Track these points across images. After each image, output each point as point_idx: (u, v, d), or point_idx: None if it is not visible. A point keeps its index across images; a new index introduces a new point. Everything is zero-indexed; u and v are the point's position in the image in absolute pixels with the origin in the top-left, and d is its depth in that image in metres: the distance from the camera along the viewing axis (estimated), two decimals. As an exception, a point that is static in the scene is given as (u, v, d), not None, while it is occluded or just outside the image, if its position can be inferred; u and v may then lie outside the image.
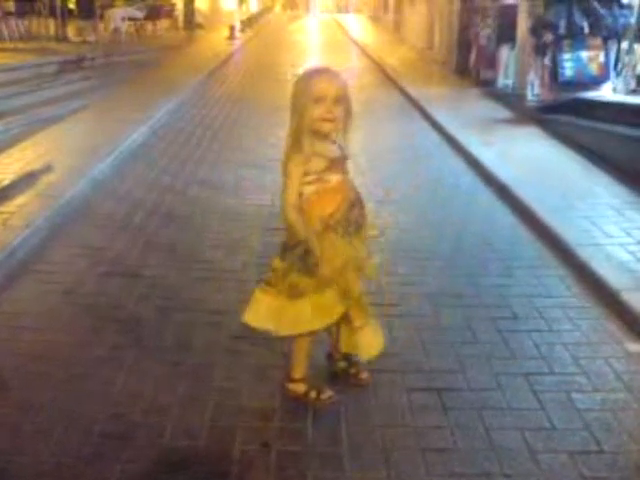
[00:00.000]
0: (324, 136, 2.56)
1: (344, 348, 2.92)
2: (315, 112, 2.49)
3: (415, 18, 17.06)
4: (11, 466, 2.44)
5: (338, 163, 2.62)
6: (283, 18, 37.52)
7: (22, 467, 2.44)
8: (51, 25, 14.66)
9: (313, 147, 2.55)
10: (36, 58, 10.93)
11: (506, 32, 9.81)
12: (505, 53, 9.98)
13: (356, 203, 2.68)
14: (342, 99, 2.53)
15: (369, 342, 2.85)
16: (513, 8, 9.72)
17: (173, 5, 22.17)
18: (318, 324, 2.69)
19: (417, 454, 2.54)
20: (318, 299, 2.63)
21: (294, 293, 2.64)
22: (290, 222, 2.59)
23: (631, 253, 4.23)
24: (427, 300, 3.78)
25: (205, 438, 2.61)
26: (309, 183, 2.57)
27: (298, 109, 2.54)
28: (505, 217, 5.21)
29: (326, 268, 2.57)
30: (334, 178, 2.59)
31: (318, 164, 2.56)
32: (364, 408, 2.81)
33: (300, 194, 2.58)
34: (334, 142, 2.62)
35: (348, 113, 2.57)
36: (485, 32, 10.48)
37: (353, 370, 2.97)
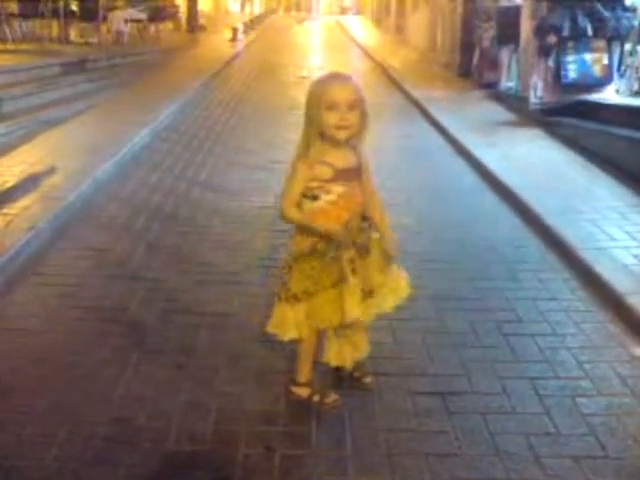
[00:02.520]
0: (339, 143, 2.54)
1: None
2: (329, 120, 2.46)
3: (417, 20, 17.06)
4: (14, 471, 2.43)
5: (347, 174, 2.57)
6: (286, 20, 37.52)
7: (25, 471, 2.42)
8: (54, 27, 14.67)
9: (323, 154, 2.53)
10: (39, 60, 10.93)
11: (507, 34, 9.81)
12: (506, 55, 9.98)
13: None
14: (356, 104, 2.49)
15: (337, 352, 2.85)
16: (513, 9, 9.71)
17: (177, 7, 22.18)
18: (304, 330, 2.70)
19: (421, 459, 2.53)
20: (312, 305, 2.65)
21: (288, 297, 2.66)
22: (289, 218, 2.58)
23: (635, 256, 4.22)
24: (431, 303, 3.77)
25: (209, 442, 2.60)
26: (312, 190, 2.55)
27: (310, 116, 2.51)
28: (508, 220, 5.20)
29: (298, 287, 2.61)
30: (337, 190, 2.55)
31: (323, 172, 2.53)
32: (368, 412, 2.80)
33: (298, 205, 2.57)
34: (353, 147, 2.60)
35: (363, 117, 2.53)
36: (488, 34, 10.48)
37: (357, 374, 2.97)
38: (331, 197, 2.56)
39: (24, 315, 3.57)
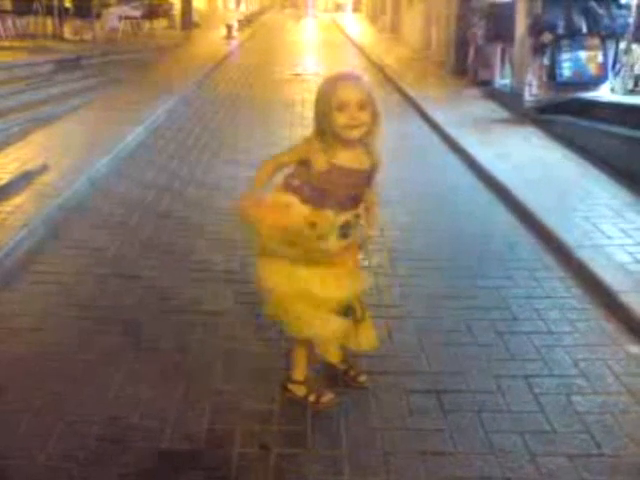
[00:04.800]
0: (352, 143, 2.50)
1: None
2: (339, 120, 2.43)
3: (412, 18, 17.04)
4: (7, 470, 2.42)
5: (354, 176, 2.54)
6: (281, 17, 37.42)
7: (19, 471, 2.42)
8: (48, 24, 14.62)
9: (333, 154, 2.49)
10: (33, 57, 10.89)
11: (496, 31, 9.83)
12: (497, 53, 9.99)
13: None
14: (367, 104, 2.46)
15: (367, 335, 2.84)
16: (502, 7, 9.73)
17: (171, 4, 22.10)
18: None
19: (417, 457, 2.53)
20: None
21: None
22: (259, 170, 2.62)
23: (630, 254, 4.22)
24: (426, 301, 3.77)
25: (203, 441, 2.59)
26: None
27: (320, 115, 2.49)
28: (504, 218, 5.20)
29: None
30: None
31: (319, 163, 2.49)
32: (363, 411, 2.80)
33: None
34: (366, 148, 2.55)
35: (375, 117, 2.50)
36: (483, 32, 10.46)
37: (352, 372, 2.96)
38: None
39: (18, 313, 3.56)
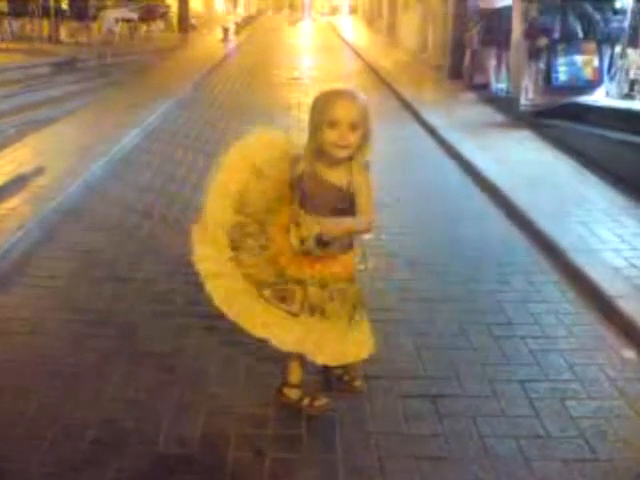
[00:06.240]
0: (337, 161, 2.47)
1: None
2: (329, 137, 2.40)
3: (409, 21, 17.07)
4: (1, 474, 2.41)
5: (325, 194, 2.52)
6: (276, 20, 37.45)
7: (13, 475, 2.41)
8: (44, 26, 14.61)
9: (320, 163, 2.49)
10: (28, 59, 10.89)
11: (490, 35, 9.85)
12: (491, 57, 10.01)
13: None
14: (359, 125, 2.41)
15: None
16: (497, 11, 9.76)
17: (168, 7, 22.12)
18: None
19: (412, 462, 2.53)
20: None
21: None
22: None
23: (626, 259, 4.23)
24: (422, 305, 3.77)
25: (198, 445, 2.58)
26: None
27: (311, 126, 2.47)
28: (500, 222, 5.20)
29: None
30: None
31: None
32: (358, 415, 2.80)
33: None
34: (348, 166, 2.48)
35: (365, 138, 2.45)
36: (479, 36, 10.48)
37: (347, 377, 2.96)
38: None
39: (12, 316, 3.54)
